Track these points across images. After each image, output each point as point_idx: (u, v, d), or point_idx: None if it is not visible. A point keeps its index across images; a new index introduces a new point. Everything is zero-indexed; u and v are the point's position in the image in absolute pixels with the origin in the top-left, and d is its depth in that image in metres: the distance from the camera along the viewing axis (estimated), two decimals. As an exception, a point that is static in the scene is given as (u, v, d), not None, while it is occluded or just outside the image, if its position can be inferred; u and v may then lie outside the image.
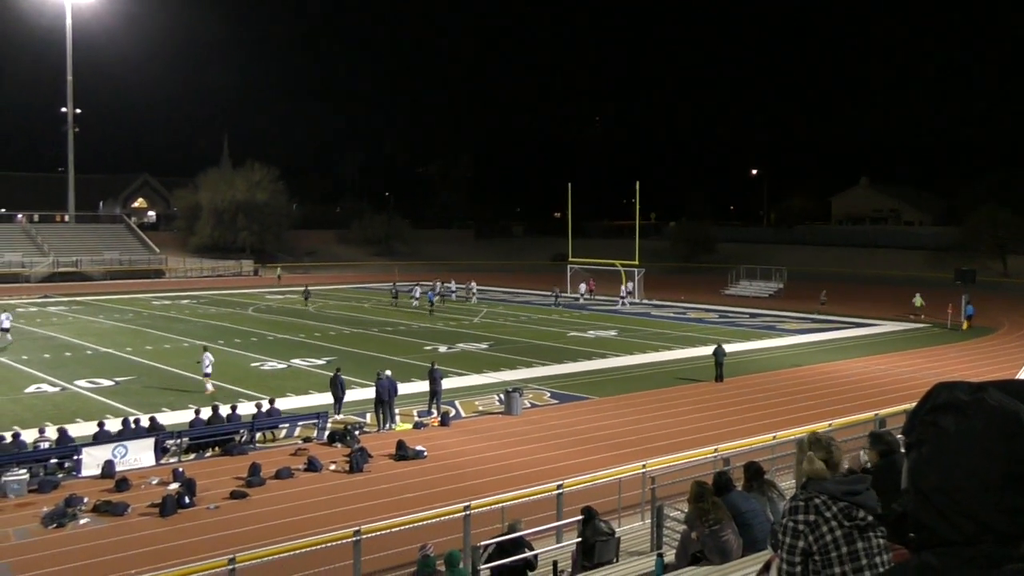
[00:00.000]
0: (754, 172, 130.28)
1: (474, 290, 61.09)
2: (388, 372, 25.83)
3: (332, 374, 26.84)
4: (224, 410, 23.92)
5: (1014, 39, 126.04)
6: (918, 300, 51.42)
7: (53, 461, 20.46)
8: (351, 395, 27.89)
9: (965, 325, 45.87)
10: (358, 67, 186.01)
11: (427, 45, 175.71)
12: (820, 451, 3.79)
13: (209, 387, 28.84)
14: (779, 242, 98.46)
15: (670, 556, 10.72)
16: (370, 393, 26.24)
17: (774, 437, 20.29)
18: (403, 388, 27.11)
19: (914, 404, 1.77)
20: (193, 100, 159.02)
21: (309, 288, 60.20)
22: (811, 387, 30.85)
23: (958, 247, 76.09)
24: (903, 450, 1.74)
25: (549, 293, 60.93)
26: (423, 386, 28.00)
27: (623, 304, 56.75)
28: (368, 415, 25.57)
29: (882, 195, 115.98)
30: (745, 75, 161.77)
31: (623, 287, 58.37)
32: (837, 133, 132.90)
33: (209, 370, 29.09)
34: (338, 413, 25.35)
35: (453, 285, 62.92)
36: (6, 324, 40.00)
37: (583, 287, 61.35)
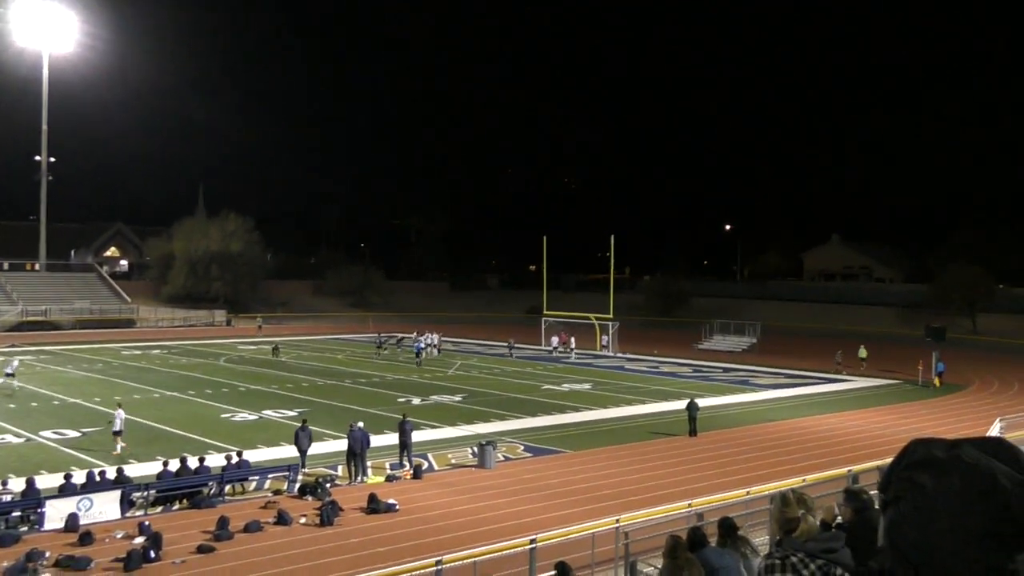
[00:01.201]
0: (728, 227, 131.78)
1: (434, 342, 60.28)
2: (360, 424, 25.57)
3: (299, 426, 26.46)
4: (193, 462, 23.55)
5: (982, 98, 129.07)
6: (862, 351, 52.56)
7: (16, 514, 20.00)
8: (324, 447, 27.63)
9: (937, 382, 46.22)
10: (334, 118, 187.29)
11: (402, 95, 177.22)
12: (804, 509, 3.78)
13: (117, 448, 27.18)
14: (752, 297, 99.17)
15: (644, 613, 10.59)
16: (341, 445, 25.96)
17: (748, 492, 20.25)
18: (376, 440, 26.84)
19: (887, 460, 1.77)
20: (168, 150, 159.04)
21: (278, 345, 58.93)
22: (784, 442, 30.86)
23: (928, 304, 76.98)
24: (878, 507, 1.74)
25: (505, 344, 61.35)
26: (394, 438, 27.78)
27: (570, 354, 57.70)
28: (340, 467, 25.27)
29: (853, 252, 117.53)
30: (718, 130, 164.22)
31: (553, 337, 59.68)
32: (809, 190, 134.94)
33: (119, 428, 27.39)
34: (303, 466, 24.95)
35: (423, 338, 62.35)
36: (9, 369, 40.29)
37: (555, 340, 61.42)
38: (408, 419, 26.84)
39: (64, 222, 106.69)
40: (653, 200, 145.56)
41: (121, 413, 27.85)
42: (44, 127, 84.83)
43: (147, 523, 19.46)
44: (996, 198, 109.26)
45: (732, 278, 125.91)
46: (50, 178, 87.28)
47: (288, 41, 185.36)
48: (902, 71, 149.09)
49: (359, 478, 24.40)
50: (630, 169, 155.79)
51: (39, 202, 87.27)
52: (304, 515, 20.80)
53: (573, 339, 59.38)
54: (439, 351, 59.41)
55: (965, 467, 1.56)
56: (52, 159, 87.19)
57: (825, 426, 34.28)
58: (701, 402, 33.49)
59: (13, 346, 60.56)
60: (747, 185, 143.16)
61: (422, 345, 56.43)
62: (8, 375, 39.97)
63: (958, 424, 34.89)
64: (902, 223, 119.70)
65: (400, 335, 66.81)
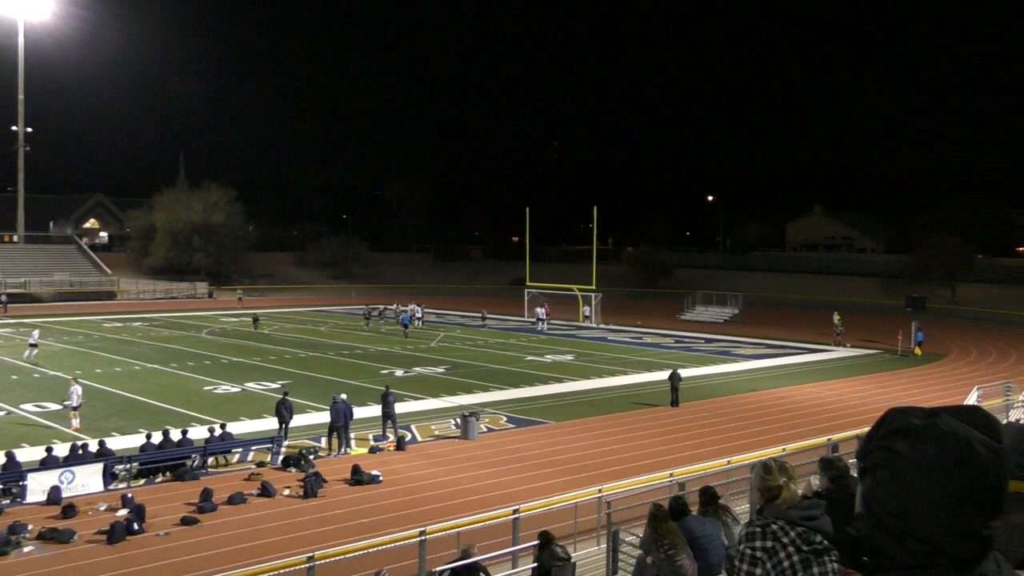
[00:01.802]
0: (710, 198, 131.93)
1: (419, 314, 60.49)
2: (344, 396, 25.61)
3: (280, 397, 26.43)
4: (175, 434, 23.52)
5: (961, 74, 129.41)
6: (836, 318, 53.11)
7: (-3, 487, 19.95)
8: (307, 419, 27.64)
9: (917, 351, 46.64)
10: (317, 89, 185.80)
11: (386, 68, 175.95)
12: (786, 477, 3.79)
13: (75, 423, 26.46)
14: (735, 268, 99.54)
15: (626, 581, 10.69)
16: (325, 417, 25.97)
17: (728, 462, 20.42)
18: (359, 412, 26.88)
19: (867, 429, 1.78)
20: (149, 120, 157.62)
21: (258, 315, 58.60)
22: (765, 412, 31.11)
23: (908, 275, 77.54)
24: (855, 475, 1.75)
25: (477, 315, 62.71)
26: (378, 410, 27.86)
27: (542, 326, 58.20)
28: (323, 439, 25.30)
29: (835, 222, 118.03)
30: (703, 102, 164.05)
31: (537, 308, 60.27)
32: (792, 161, 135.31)
33: (76, 403, 26.56)
34: (285, 438, 24.90)
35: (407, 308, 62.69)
36: (32, 340, 41.07)
37: (540, 311, 61.54)
38: (391, 391, 26.87)
39: (42, 193, 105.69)
40: (636, 171, 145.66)
41: (77, 388, 26.99)
42: (20, 96, 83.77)
43: (130, 495, 19.44)
44: (976, 168, 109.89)
45: (715, 249, 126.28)
46: (27, 148, 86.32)
47: (270, 11, 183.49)
48: (883, 46, 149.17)
49: (343, 450, 24.46)
50: (613, 140, 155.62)
51: (16, 173, 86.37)
52: (288, 487, 20.85)
53: (541, 309, 59.96)
54: (422, 323, 59.54)
55: (942, 435, 1.57)
56: (29, 129, 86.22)
57: (806, 396, 34.56)
58: (683, 372, 33.66)
59: (-8, 319, 60.13)
60: (730, 156, 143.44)
61: (418, 314, 58.01)
62: (32, 346, 40.71)
63: (937, 393, 35.26)
64: (883, 194, 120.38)
65: (382, 306, 66.84)
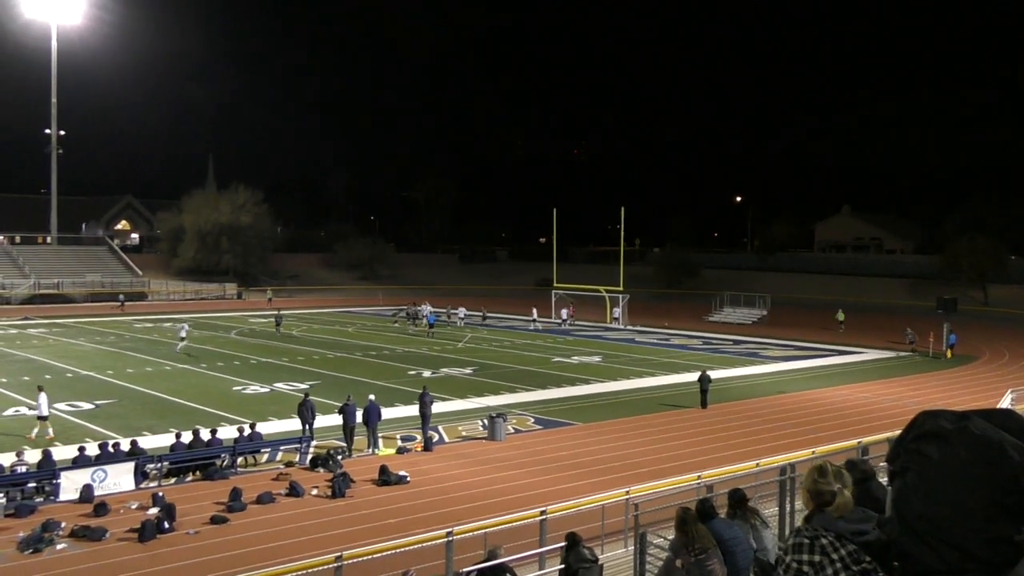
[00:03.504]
0: (738, 199, 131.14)
1: (462, 315, 61.15)
2: (372, 396, 25.77)
3: (302, 398, 26.52)
4: (205, 434, 23.71)
5: (992, 71, 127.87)
6: (840, 315, 54.63)
7: (31, 485, 20.21)
8: (335, 419, 27.71)
9: (948, 353, 46.10)
10: (343, 91, 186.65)
11: (413, 69, 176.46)
12: (840, 483, 3.62)
13: (37, 432, 25.32)
14: (762, 269, 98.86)
15: (653, 583, 10.66)
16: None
17: (757, 464, 20.29)
18: (386, 413, 26.93)
19: (898, 432, 1.78)
20: (178, 123, 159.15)
21: (281, 313, 57.91)
22: (794, 414, 30.89)
23: (939, 276, 76.63)
24: (884, 478, 1.74)
25: (477, 314, 64.32)
26: (405, 411, 27.90)
27: (535, 325, 59.85)
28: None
29: (864, 223, 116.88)
30: (729, 102, 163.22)
31: (563, 309, 61.99)
32: (820, 161, 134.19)
33: (45, 412, 25.54)
34: (311, 438, 24.93)
35: (426, 308, 63.01)
36: (183, 334, 45.15)
37: (564, 312, 61.57)
38: (428, 391, 26.92)
39: (74, 195, 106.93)
40: (663, 172, 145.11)
41: (44, 397, 25.70)
42: (53, 100, 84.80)
43: (161, 494, 19.63)
44: (1008, 169, 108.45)
45: (742, 250, 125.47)
46: (60, 151, 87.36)
47: (296, 13, 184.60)
48: (912, 42, 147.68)
49: (370, 450, 24.56)
50: (640, 140, 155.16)
51: (49, 175, 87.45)
52: (316, 487, 20.96)
53: (565, 310, 61.04)
54: (455, 322, 60.28)
55: (972, 439, 1.56)
56: (62, 132, 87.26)
57: (835, 398, 34.28)
58: (711, 374, 33.45)
59: (26, 318, 60.82)
60: (757, 156, 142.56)
61: (460, 316, 60.17)
62: (182, 339, 44.68)
63: (969, 396, 34.84)
64: (913, 194, 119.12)
65: (404, 307, 67.10)
